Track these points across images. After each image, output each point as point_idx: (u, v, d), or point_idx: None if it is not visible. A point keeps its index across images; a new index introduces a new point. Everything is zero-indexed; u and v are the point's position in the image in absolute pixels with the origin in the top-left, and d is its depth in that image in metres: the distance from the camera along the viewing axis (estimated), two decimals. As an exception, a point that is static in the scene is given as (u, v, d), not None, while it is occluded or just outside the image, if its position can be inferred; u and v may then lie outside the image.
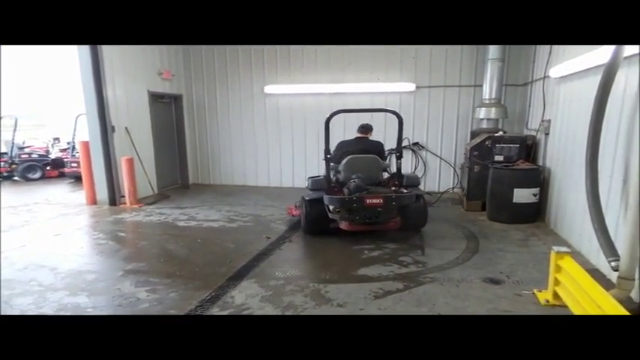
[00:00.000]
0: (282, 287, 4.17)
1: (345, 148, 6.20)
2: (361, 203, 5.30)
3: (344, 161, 5.96)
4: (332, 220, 5.68)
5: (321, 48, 9.11)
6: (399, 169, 5.94)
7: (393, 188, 5.78)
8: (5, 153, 12.00)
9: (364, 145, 6.25)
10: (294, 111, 9.49)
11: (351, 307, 3.75)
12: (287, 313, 3.65)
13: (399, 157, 5.92)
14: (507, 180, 6.36)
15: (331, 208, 5.60)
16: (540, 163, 6.75)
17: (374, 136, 6.61)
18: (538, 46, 7.18)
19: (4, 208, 7.92)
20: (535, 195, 6.30)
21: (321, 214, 5.69)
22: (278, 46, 9.33)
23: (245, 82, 9.72)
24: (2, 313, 3.60)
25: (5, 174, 11.86)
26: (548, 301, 3.72)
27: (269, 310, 3.70)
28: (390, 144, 9.13)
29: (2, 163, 11.76)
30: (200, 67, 9.95)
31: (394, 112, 5.92)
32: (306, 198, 5.79)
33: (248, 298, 3.93)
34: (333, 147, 6.14)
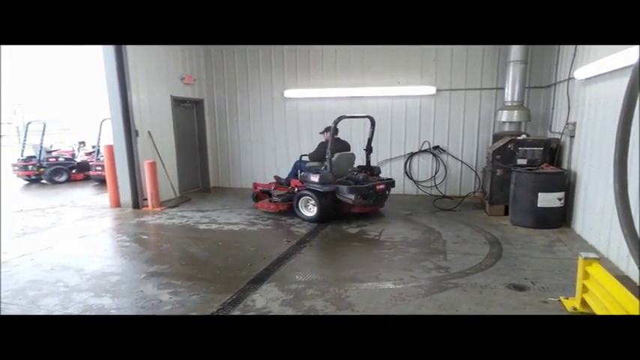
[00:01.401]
0: (302, 291, 4.17)
1: (331, 147, 7.01)
2: (374, 189, 6.73)
3: (334, 158, 6.88)
4: (342, 207, 6.83)
5: (341, 51, 9.12)
6: (369, 162, 7.45)
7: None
8: (34, 157, 12.33)
9: (343, 145, 7.44)
10: (313, 115, 9.50)
11: (372, 312, 3.72)
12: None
13: (370, 153, 7.39)
14: (531, 184, 6.24)
15: (352, 196, 6.59)
16: (565, 166, 6.60)
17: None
18: (562, 47, 7.04)
19: (32, 211, 8.14)
20: (560, 199, 6.16)
21: (333, 203, 6.75)
22: (298, 51, 9.39)
23: (265, 87, 9.80)
24: (22, 314, 3.67)
25: (33, 177, 12.19)
26: (575, 309, 3.62)
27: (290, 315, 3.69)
28: (410, 143, 9.11)
29: (31, 167, 12.09)
30: (221, 72, 10.07)
31: (369, 117, 7.37)
32: (321, 190, 6.65)
33: (269, 302, 3.93)
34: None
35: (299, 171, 7.60)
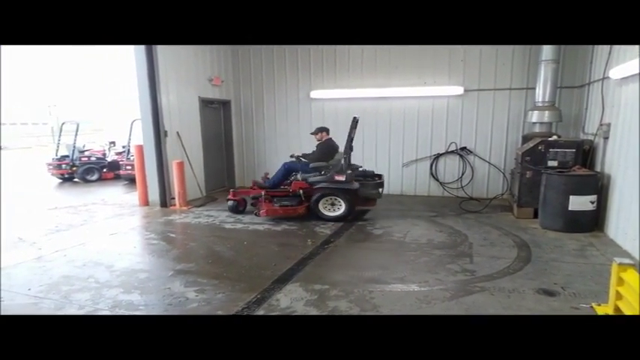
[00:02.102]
0: (326, 292, 4.17)
1: (332, 148, 7.41)
2: (382, 186, 7.24)
3: (336, 158, 7.19)
4: (357, 203, 7.10)
5: (368, 51, 9.09)
6: (349, 161, 7.22)
7: None
8: (67, 156, 12.74)
9: (336, 145, 7.55)
10: (339, 115, 9.47)
11: (397, 314, 3.69)
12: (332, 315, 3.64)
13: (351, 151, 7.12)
14: (562, 186, 6.07)
15: (375, 191, 7.14)
16: (598, 168, 6.39)
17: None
18: (596, 45, 6.83)
19: (66, 208, 8.40)
20: (592, 202, 5.98)
21: (355, 200, 7.02)
22: (324, 51, 9.40)
23: (291, 87, 9.85)
24: (28, 314, 3.66)
25: (67, 176, 12.60)
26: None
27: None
28: (437, 144, 9.01)
29: (64, 166, 12.50)
30: (248, 73, 10.18)
31: (354, 118, 7.09)
32: (350, 188, 6.85)
33: (293, 302, 3.95)
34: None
35: (295, 172, 7.40)
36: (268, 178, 7.71)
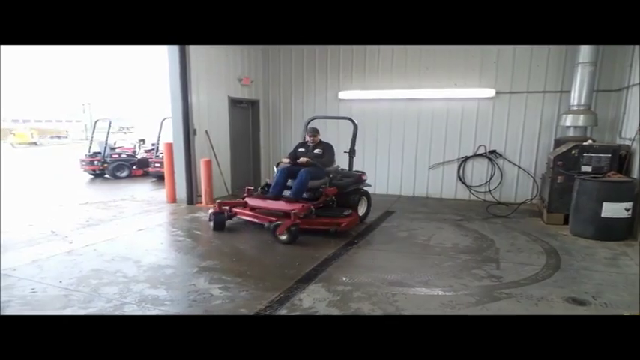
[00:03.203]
0: (349, 293, 4.15)
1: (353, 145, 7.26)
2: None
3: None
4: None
5: (398, 52, 9.02)
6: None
7: None
8: (99, 153, 13.11)
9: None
10: (366, 117, 9.43)
11: (399, 314, 3.64)
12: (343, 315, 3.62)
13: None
14: (596, 193, 5.88)
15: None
16: (635, 175, 6.16)
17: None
18: (636, 47, 6.58)
19: (96, 203, 8.64)
20: (627, 210, 5.76)
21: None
22: (354, 51, 9.38)
23: (320, 88, 9.87)
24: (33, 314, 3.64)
25: (98, 172, 12.97)
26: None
27: (336, 315, 3.69)
28: (465, 147, 8.88)
29: (96, 162, 12.86)
30: (277, 73, 10.25)
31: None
32: (367, 189, 7.26)
33: (315, 302, 3.95)
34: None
35: (304, 178, 6.32)
36: (266, 188, 6.76)
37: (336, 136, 8.49)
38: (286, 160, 6.79)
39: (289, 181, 6.52)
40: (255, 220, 6.23)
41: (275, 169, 6.98)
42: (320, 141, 6.99)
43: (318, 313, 3.71)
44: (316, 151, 6.88)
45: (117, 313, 3.74)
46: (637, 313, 3.11)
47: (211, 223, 6.32)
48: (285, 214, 5.95)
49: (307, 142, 7.01)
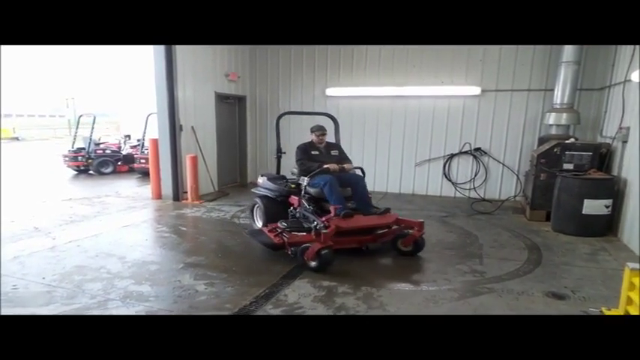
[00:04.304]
0: (334, 288, 4.18)
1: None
2: None
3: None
4: None
5: (385, 50, 9.05)
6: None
7: None
8: (83, 148, 12.93)
9: None
10: (354, 114, 9.47)
11: (404, 313, 3.69)
12: (340, 315, 3.65)
13: None
14: (577, 190, 5.99)
15: None
16: (615, 172, 6.29)
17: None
18: (619, 47, 6.71)
19: (80, 199, 8.54)
20: (607, 207, 5.89)
21: None
22: (342, 49, 9.40)
23: (307, 85, 9.86)
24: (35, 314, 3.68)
25: (82, 167, 12.79)
26: (618, 322, 3.46)
27: (321, 311, 3.71)
28: (451, 145, 8.94)
29: (80, 158, 12.69)
30: (265, 69, 10.22)
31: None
32: None
33: (301, 298, 3.97)
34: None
35: (365, 185, 5.65)
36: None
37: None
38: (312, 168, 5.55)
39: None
40: (355, 245, 5.12)
41: (260, 180, 6.27)
42: (326, 141, 6.02)
43: (303, 309, 3.74)
44: (333, 152, 5.96)
45: (101, 309, 3.72)
46: (636, 313, 3.17)
47: (313, 263, 4.59)
48: (381, 228, 5.18)
49: (314, 143, 5.91)
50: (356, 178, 5.68)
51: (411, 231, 5.15)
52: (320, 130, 5.93)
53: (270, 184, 6.03)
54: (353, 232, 4.98)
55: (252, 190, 6.46)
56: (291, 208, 5.69)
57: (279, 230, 5.12)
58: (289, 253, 4.85)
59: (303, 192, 5.49)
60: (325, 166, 5.48)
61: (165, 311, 3.70)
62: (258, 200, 6.15)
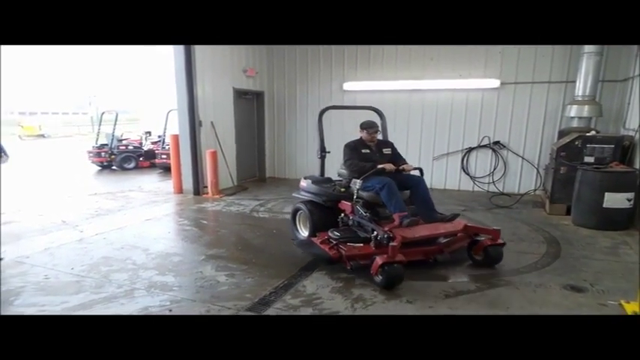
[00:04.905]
0: (352, 280, 4.25)
1: None
2: None
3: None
4: None
5: (402, 43, 9.02)
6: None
7: None
8: (106, 144, 13.25)
9: None
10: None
11: (420, 304, 3.74)
12: (356, 305, 3.71)
13: None
14: (598, 183, 5.92)
15: None
16: (637, 165, 6.19)
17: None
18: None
19: (105, 194, 8.78)
20: (629, 200, 5.80)
21: None
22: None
23: (324, 79, 9.91)
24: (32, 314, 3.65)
25: (105, 163, 13.11)
26: (636, 313, 3.45)
27: (338, 302, 3.79)
28: (469, 138, 8.89)
29: (103, 154, 13.00)
30: (282, 64, 10.30)
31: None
32: None
33: (319, 289, 4.05)
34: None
35: (427, 188, 5.18)
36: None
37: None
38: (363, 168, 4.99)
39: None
40: (420, 257, 4.54)
41: (304, 183, 5.64)
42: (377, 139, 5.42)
43: (321, 299, 3.82)
44: (385, 151, 5.41)
45: (127, 298, 3.87)
46: (637, 310, 3.17)
47: (379, 278, 4.04)
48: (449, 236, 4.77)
49: (364, 141, 5.33)
50: (416, 179, 5.07)
51: (482, 238, 4.61)
52: (372, 127, 5.25)
53: (316, 188, 5.33)
54: (418, 242, 4.44)
55: (294, 194, 5.80)
56: (342, 214, 5.05)
57: (333, 242, 4.58)
58: (349, 267, 4.32)
59: (355, 196, 4.85)
60: (380, 166, 4.86)
61: (188, 301, 3.84)
62: (302, 206, 5.40)
